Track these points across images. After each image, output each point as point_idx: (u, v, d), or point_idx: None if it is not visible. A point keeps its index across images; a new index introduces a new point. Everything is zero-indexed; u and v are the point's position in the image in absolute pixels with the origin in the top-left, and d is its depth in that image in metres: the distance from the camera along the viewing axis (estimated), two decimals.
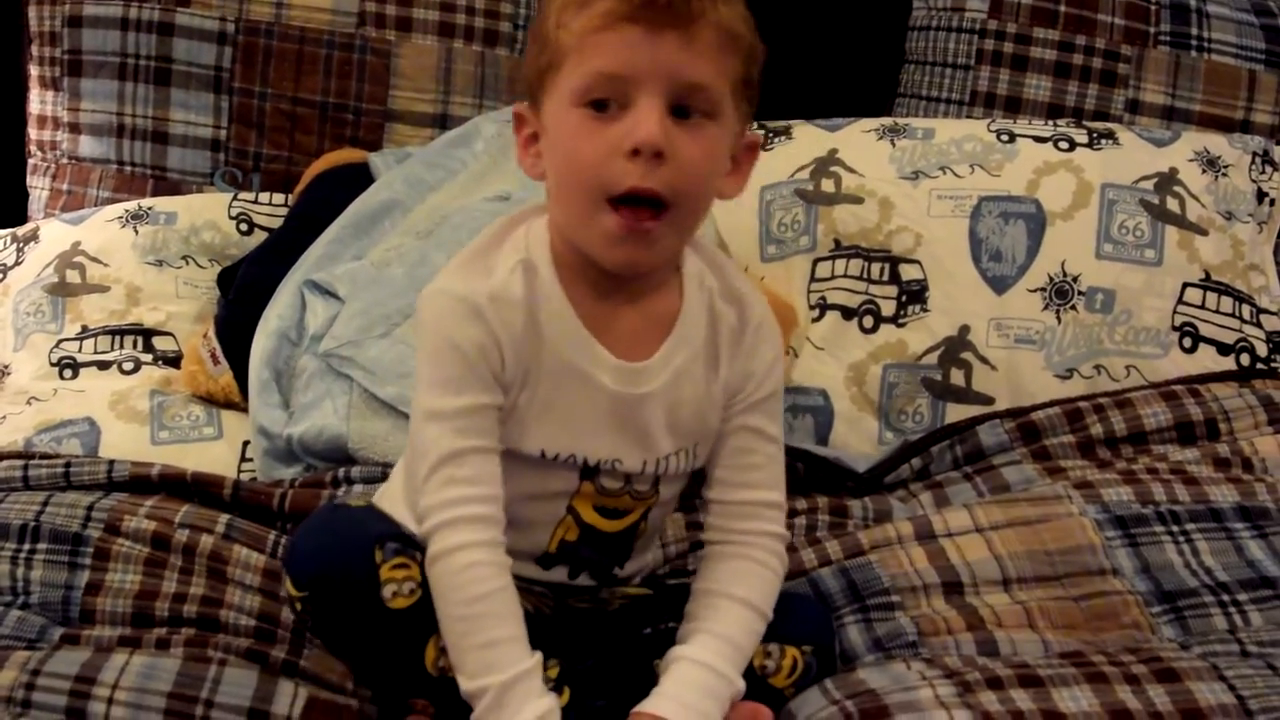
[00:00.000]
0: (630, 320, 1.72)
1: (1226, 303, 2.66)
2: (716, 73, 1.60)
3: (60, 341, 2.80)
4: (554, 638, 1.79)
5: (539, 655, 1.63)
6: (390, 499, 1.84)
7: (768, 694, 1.78)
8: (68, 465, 2.20)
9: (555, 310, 1.68)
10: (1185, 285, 2.67)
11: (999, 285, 2.67)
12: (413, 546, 1.66)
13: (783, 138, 2.92)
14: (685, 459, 1.78)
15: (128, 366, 2.76)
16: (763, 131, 2.94)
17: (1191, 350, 2.63)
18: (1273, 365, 2.65)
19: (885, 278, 2.70)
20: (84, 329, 2.81)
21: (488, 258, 1.70)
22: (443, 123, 3.14)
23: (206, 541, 2.03)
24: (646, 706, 1.65)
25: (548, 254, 1.70)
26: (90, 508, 2.05)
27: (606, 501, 1.77)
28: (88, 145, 3.17)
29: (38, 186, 3.22)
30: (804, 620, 1.85)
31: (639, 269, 1.68)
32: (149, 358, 2.79)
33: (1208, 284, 2.67)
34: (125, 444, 2.53)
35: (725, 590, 1.75)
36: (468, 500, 1.63)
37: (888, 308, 2.69)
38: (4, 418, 2.63)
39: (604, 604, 1.88)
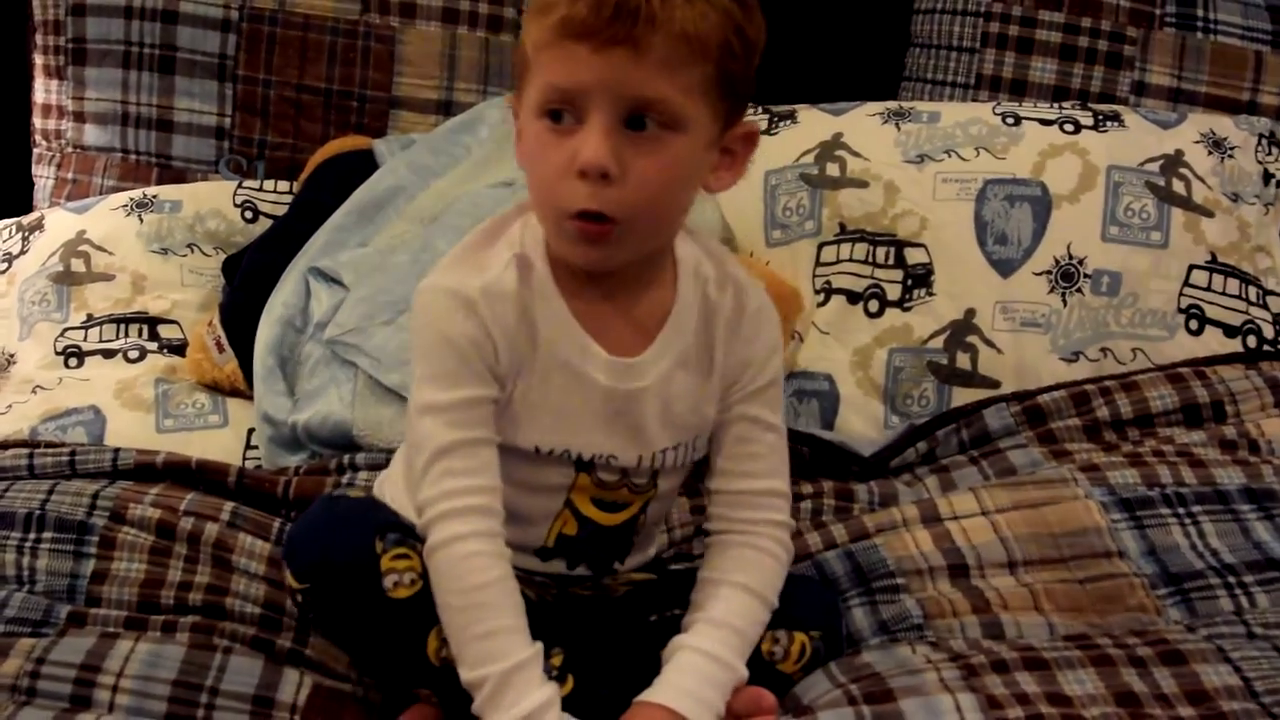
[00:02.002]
0: (623, 315, 1.71)
1: (1233, 285, 2.66)
2: (674, 85, 1.56)
3: (65, 330, 2.80)
4: (557, 626, 1.79)
5: (539, 645, 1.62)
6: (391, 486, 1.85)
7: (775, 679, 1.78)
8: (73, 454, 2.20)
9: (549, 305, 1.67)
10: (1191, 267, 2.66)
11: (1005, 268, 2.66)
12: (413, 537, 1.66)
13: (787, 122, 2.92)
14: (683, 453, 1.78)
15: (133, 355, 2.76)
16: (766, 116, 2.94)
17: (1198, 332, 2.62)
18: (1279, 347, 2.64)
19: (890, 262, 2.70)
20: (89, 317, 2.81)
21: (482, 252, 1.69)
22: (447, 109, 3.14)
23: (211, 529, 2.03)
24: (649, 696, 1.65)
25: (543, 249, 1.69)
26: (95, 496, 2.05)
27: (604, 495, 1.77)
28: (92, 134, 3.17)
29: (43, 175, 3.23)
30: (812, 606, 1.85)
31: (605, 267, 1.67)
32: (154, 346, 2.79)
33: (1214, 266, 2.67)
34: (130, 432, 2.53)
35: (729, 578, 1.75)
36: (466, 491, 1.62)
37: (893, 292, 2.69)
38: (9, 407, 2.64)
39: (607, 591, 1.88)
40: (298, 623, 1.89)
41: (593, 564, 1.83)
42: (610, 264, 1.66)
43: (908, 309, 2.67)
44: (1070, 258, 2.65)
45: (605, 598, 1.88)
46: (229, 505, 2.11)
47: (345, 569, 1.65)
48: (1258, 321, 2.65)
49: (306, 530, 1.73)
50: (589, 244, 1.60)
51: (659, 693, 1.65)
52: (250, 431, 2.57)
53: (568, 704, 1.64)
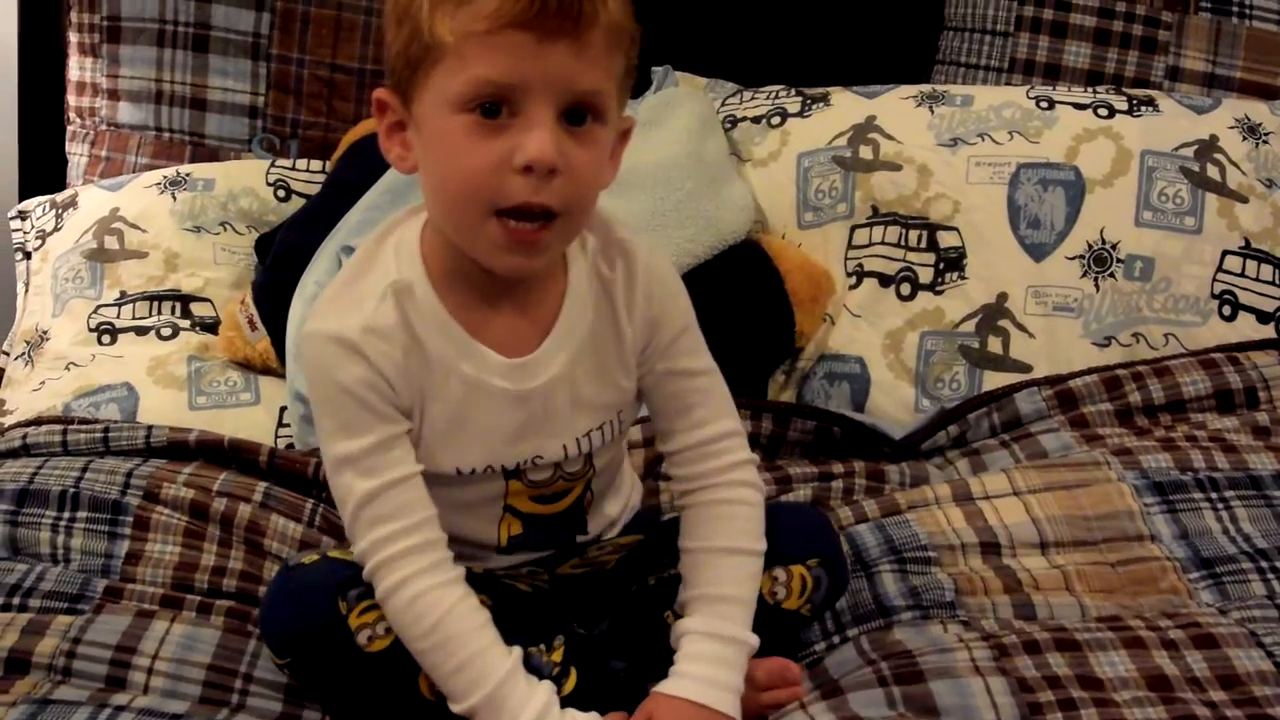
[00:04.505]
0: (515, 314, 1.66)
1: (1266, 270, 2.65)
2: (606, 75, 1.52)
3: (99, 307, 2.82)
4: (558, 611, 1.80)
5: (517, 651, 1.61)
6: None
7: (783, 618, 1.79)
8: (106, 430, 2.21)
9: (435, 326, 1.62)
10: (1225, 253, 2.66)
11: (1037, 253, 2.66)
12: None
13: (821, 104, 2.92)
14: (608, 431, 1.75)
15: (166, 332, 2.77)
16: (800, 98, 2.94)
17: (1231, 318, 2.62)
18: None
19: (923, 245, 2.70)
20: (122, 295, 2.82)
21: (356, 287, 1.63)
22: None
23: (244, 511, 2.04)
24: (666, 688, 1.65)
25: (420, 267, 1.63)
26: (129, 474, 2.06)
27: (541, 490, 1.75)
28: (126, 112, 3.19)
29: (76, 153, 3.24)
30: (802, 535, 1.83)
31: (528, 274, 1.62)
32: (187, 323, 2.80)
33: (1248, 252, 2.66)
34: (163, 409, 2.55)
35: (710, 545, 1.72)
36: (396, 535, 1.60)
37: (925, 275, 2.69)
38: (43, 383, 2.65)
39: (599, 563, 1.87)
40: None
41: (554, 545, 1.81)
42: (537, 269, 1.61)
43: (940, 292, 2.67)
44: (1103, 242, 2.65)
45: (599, 571, 1.87)
46: (261, 485, 2.12)
47: (317, 637, 1.64)
48: None
49: (272, 607, 1.71)
50: (520, 252, 1.55)
51: (676, 685, 1.64)
52: (282, 409, 2.58)
53: (574, 697, 1.65)
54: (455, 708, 1.59)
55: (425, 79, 1.52)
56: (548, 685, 1.61)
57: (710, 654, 1.66)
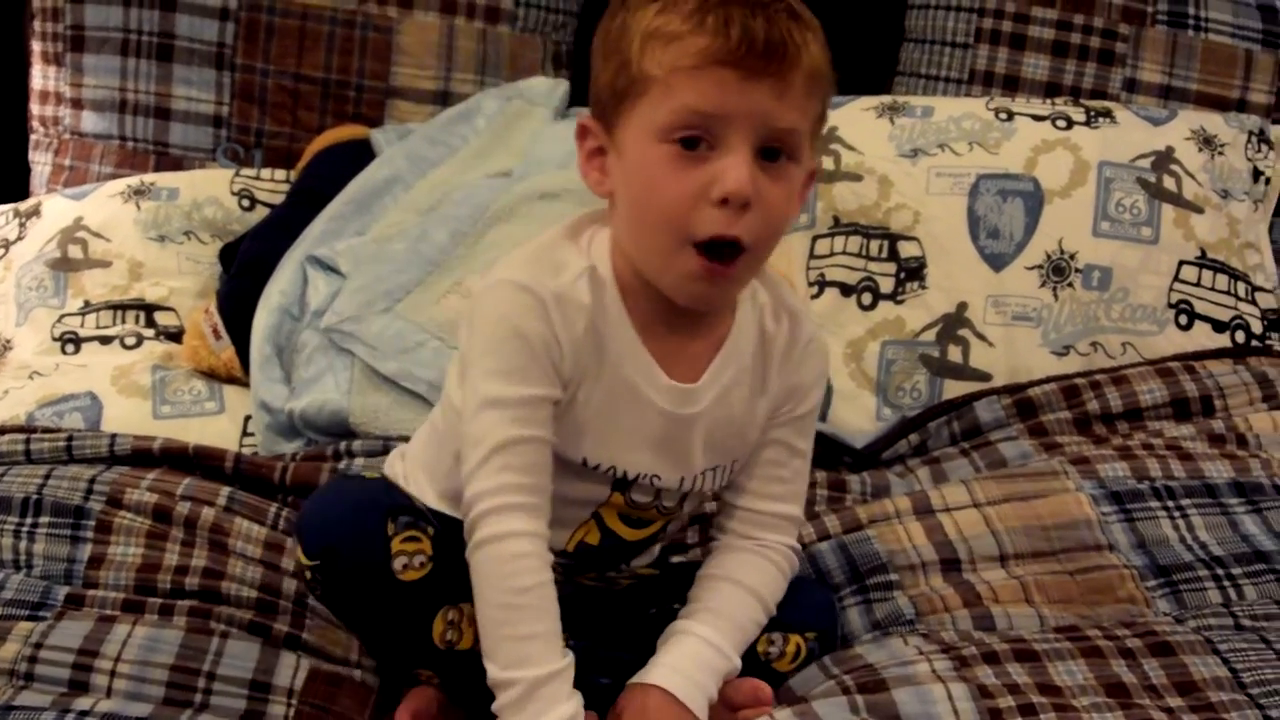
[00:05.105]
0: (684, 340, 1.70)
1: (1222, 280, 2.68)
2: (803, 115, 1.58)
3: (62, 316, 2.81)
4: (560, 613, 1.81)
5: (571, 656, 1.61)
6: (407, 465, 1.85)
7: (769, 676, 1.79)
8: (70, 439, 2.21)
9: (617, 325, 1.66)
10: (1181, 263, 2.68)
11: (997, 263, 2.68)
12: (425, 520, 1.66)
13: None
14: (720, 475, 1.79)
15: (130, 341, 2.77)
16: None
17: (1187, 328, 2.64)
18: (1267, 342, 2.67)
19: (884, 255, 2.71)
20: (86, 304, 2.82)
21: (555, 255, 1.67)
22: (444, 99, 3.14)
23: (208, 514, 2.04)
24: (641, 677, 1.67)
25: (609, 269, 1.67)
26: (92, 481, 2.05)
27: (633, 513, 1.77)
28: (90, 121, 3.18)
29: (40, 162, 3.23)
30: (808, 607, 1.86)
31: (712, 306, 1.69)
32: (151, 333, 2.80)
33: (1204, 262, 2.69)
34: (127, 418, 2.54)
35: (730, 576, 1.76)
36: (520, 488, 1.60)
37: (886, 285, 2.70)
38: (6, 392, 2.64)
39: (611, 583, 1.89)
40: (294, 607, 1.90)
41: (601, 568, 1.85)
42: (720, 301, 1.68)
43: (900, 302, 2.69)
44: (1062, 252, 2.67)
45: (609, 590, 1.89)
46: (226, 490, 2.12)
47: (355, 548, 1.64)
48: (1246, 317, 2.67)
49: (319, 508, 1.71)
50: (708, 283, 1.61)
51: (652, 674, 1.66)
52: (247, 419, 2.59)
53: None
54: (494, 671, 1.58)
55: (631, 109, 1.59)
56: (579, 700, 1.60)
57: (692, 652, 1.69)
